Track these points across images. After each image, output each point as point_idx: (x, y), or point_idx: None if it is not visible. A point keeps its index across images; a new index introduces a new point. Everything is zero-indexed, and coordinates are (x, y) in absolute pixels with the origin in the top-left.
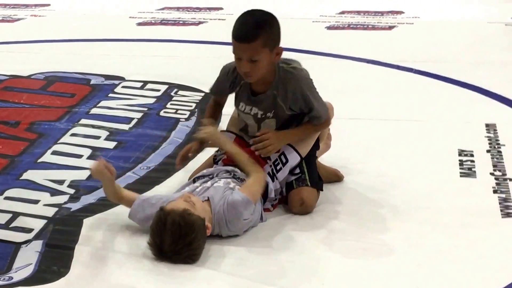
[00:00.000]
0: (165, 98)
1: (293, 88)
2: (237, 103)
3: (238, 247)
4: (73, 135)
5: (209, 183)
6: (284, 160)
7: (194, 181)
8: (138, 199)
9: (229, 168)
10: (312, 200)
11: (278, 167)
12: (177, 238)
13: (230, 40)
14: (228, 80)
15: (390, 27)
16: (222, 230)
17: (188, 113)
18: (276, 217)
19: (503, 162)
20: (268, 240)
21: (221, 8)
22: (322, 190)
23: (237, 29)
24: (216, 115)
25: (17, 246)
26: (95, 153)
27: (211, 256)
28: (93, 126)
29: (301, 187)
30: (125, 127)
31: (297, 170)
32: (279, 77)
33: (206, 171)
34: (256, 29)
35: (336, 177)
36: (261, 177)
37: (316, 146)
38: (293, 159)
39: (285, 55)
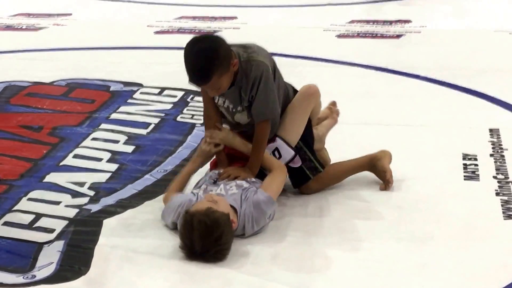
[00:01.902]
0: (181, 104)
1: (253, 75)
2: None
3: (250, 246)
4: (93, 139)
5: (222, 190)
6: (277, 156)
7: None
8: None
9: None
10: (310, 189)
11: None
12: (205, 236)
13: None
14: None
15: (398, 36)
16: (246, 231)
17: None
18: (286, 218)
19: (505, 166)
20: (279, 240)
21: (235, 18)
22: (323, 169)
23: (190, 75)
24: (217, 116)
25: (39, 245)
26: (115, 156)
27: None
28: (112, 131)
29: (309, 183)
30: (143, 131)
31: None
32: (242, 70)
33: (210, 176)
34: (206, 72)
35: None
36: (281, 173)
37: (309, 125)
38: (287, 154)
39: (296, 63)
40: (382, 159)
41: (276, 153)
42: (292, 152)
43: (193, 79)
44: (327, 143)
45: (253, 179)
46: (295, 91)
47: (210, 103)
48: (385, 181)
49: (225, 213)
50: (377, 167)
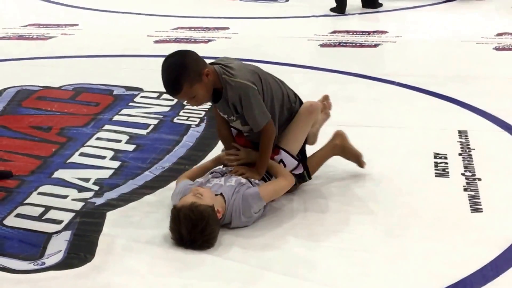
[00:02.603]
0: (178, 106)
1: (232, 95)
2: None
3: (241, 238)
4: (98, 139)
5: (222, 181)
6: (283, 166)
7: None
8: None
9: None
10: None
11: None
12: (190, 229)
13: (235, 56)
14: None
15: (376, 45)
16: (233, 221)
17: (198, 119)
18: (273, 212)
19: (473, 164)
20: (269, 231)
21: (228, 28)
22: (311, 178)
23: (165, 89)
24: (227, 132)
25: (48, 235)
26: (117, 154)
27: (217, 243)
28: (115, 131)
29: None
30: (143, 132)
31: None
32: (225, 87)
33: (219, 168)
34: (176, 83)
35: (357, 161)
36: (284, 180)
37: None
38: (291, 164)
39: (283, 69)
40: (344, 143)
41: (281, 164)
42: (295, 162)
43: (168, 92)
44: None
45: (257, 181)
46: (295, 94)
47: (219, 117)
48: (360, 164)
49: (209, 205)
50: (346, 152)
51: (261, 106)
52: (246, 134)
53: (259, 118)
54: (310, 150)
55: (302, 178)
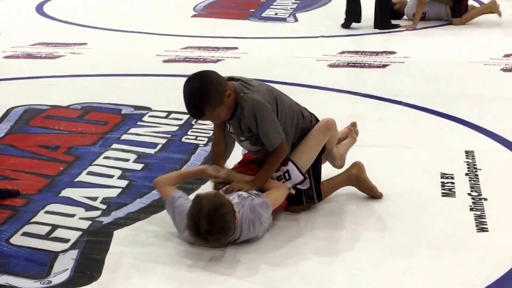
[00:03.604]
0: (186, 126)
1: (247, 112)
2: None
3: (248, 257)
4: (105, 158)
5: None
6: (287, 177)
7: None
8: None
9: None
10: (297, 210)
11: (281, 182)
12: (212, 211)
13: (245, 75)
14: None
15: (384, 66)
16: (243, 233)
17: (206, 139)
18: (279, 229)
19: (479, 184)
20: (276, 250)
21: (237, 48)
22: (321, 199)
23: (188, 111)
24: (222, 147)
25: (55, 254)
26: (125, 173)
27: (224, 262)
28: (123, 150)
29: (300, 205)
30: (151, 151)
31: (306, 186)
32: (240, 104)
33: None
34: (198, 108)
35: (371, 194)
36: (282, 188)
37: (319, 158)
38: (296, 177)
39: (292, 89)
40: (361, 174)
41: (286, 175)
42: (301, 177)
43: (190, 114)
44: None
45: (255, 192)
46: (311, 114)
47: (219, 131)
48: (375, 195)
49: (231, 202)
50: (360, 184)
51: (276, 125)
52: (254, 155)
53: (273, 137)
54: (327, 173)
55: (310, 198)
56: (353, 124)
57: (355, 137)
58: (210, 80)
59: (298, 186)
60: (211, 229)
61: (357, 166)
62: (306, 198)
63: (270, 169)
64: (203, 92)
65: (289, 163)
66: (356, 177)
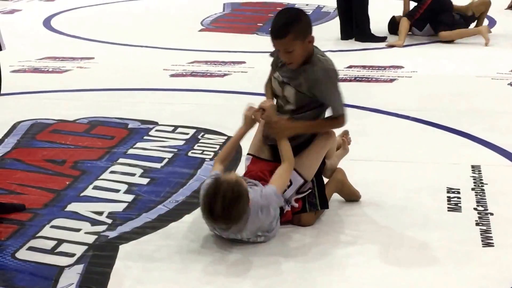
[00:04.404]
0: (193, 140)
1: (317, 73)
2: (273, 66)
3: (252, 269)
4: (112, 172)
5: None
6: (288, 183)
7: None
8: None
9: (250, 183)
10: (309, 222)
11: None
12: (230, 198)
13: (251, 90)
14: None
15: (392, 80)
16: (250, 217)
17: (212, 153)
18: (284, 243)
19: (485, 199)
20: (280, 265)
21: (244, 62)
22: (328, 208)
23: (272, 28)
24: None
25: (60, 269)
26: (131, 188)
27: (231, 277)
28: (129, 165)
29: (303, 215)
30: (158, 165)
31: (307, 188)
32: (312, 61)
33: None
34: (286, 27)
35: (355, 197)
36: (289, 166)
37: (323, 167)
38: (297, 181)
39: None
40: (344, 179)
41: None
42: (302, 180)
43: (273, 32)
44: None
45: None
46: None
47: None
48: (356, 198)
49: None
50: (344, 191)
51: (342, 95)
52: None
53: (339, 104)
54: None
55: (314, 205)
56: (345, 133)
57: (347, 147)
58: (308, 18)
59: (300, 193)
60: (224, 215)
61: (340, 171)
62: (310, 205)
63: (318, 127)
64: (297, 18)
65: (292, 171)
66: (342, 182)
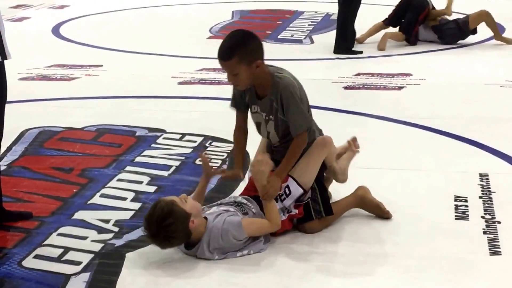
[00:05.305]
0: (200, 148)
1: (280, 92)
2: (249, 107)
3: (254, 281)
4: (119, 180)
5: (213, 209)
6: (288, 192)
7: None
8: None
9: (243, 200)
10: (314, 229)
11: (282, 198)
12: (160, 218)
13: None
14: (238, 92)
15: (400, 88)
16: (211, 240)
17: (220, 161)
18: (295, 253)
19: (493, 207)
20: (286, 275)
21: None
22: (332, 214)
23: (218, 48)
24: (245, 128)
25: (67, 277)
26: (138, 196)
27: (236, 286)
28: (136, 173)
29: (308, 222)
30: (165, 173)
31: (307, 197)
32: (274, 84)
33: (235, 201)
34: (231, 50)
35: (380, 211)
36: (269, 225)
37: (322, 174)
38: (296, 191)
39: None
40: (366, 195)
41: (286, 189)
42: (301, 190)
43: (218, 53)
44: (334, 183)
45: (253, 210)
46: (319, 129)
47: (241, 117)
48: (384, 214)
49: (185, 210)
50: (367, 204)
51: (304, 111)
52: (274, 148)
53: (300, 120)
54: (333, 191)
55: (319, 213)
56: (354, 139)
57: (355, 150)
58: (256, 41)
59: (300, 202)
60: (156, 234)
61: (362, 188)
62: (315, 212)
63: (291, 160)
64: (244, 41)
65: (289, 178)
66: (362, 198)
